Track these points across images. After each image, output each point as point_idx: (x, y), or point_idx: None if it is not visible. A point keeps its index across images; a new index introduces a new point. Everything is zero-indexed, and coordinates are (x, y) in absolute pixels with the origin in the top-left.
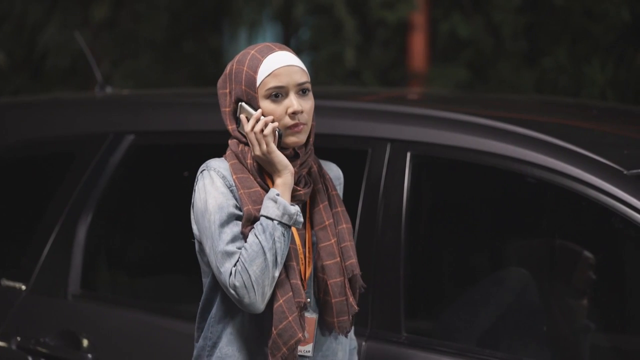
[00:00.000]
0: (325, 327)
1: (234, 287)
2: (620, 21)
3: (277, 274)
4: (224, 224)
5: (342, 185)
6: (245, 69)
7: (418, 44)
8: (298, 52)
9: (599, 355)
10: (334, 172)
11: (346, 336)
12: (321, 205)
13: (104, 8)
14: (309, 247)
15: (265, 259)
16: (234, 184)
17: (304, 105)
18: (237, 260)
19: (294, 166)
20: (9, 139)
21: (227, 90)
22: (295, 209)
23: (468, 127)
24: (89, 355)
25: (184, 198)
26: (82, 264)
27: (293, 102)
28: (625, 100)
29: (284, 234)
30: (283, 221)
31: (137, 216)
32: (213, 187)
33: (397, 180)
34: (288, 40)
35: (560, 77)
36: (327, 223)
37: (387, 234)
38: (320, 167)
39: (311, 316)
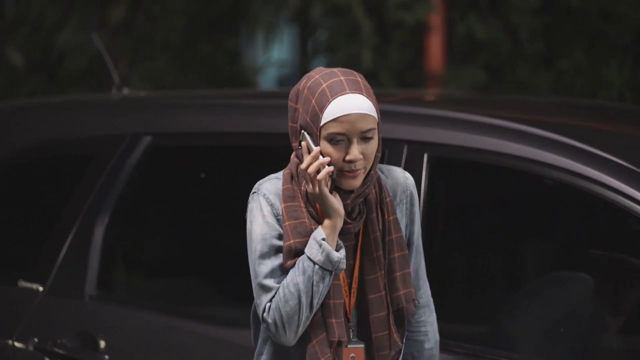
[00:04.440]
0: (369, 358)
1: (267, 323)
2: (638, 22)
3: (311, 315)
4: (265, 255)
5: (410, 196)
6: (313, 102)
7: (435, 46)
8: (315, 54)
9: (611, 355)
10: (401, 185)
11: None
12: (372, 236)
13: (120, 10)
14: (355, 278)
15: (300, 301)
16: (281, 213)
17: (365, 150)
18: (274, 296)
19: (347, 199)
20: (26, 140)
21: (297, 106)
22: (338, 256)
23: (485, 129)
24: (106, 357)
25: (200, 200)
26: (99, 265)
27: (353, 150)
28: None
29: (323, 278)
30: (325, 267)
31: (154, 218)
32: (260, 214)
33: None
34: (305, 42)
35: (578, 79)
36: (375, 255)
37: None
38: (380, 191)
39: (358, 346)
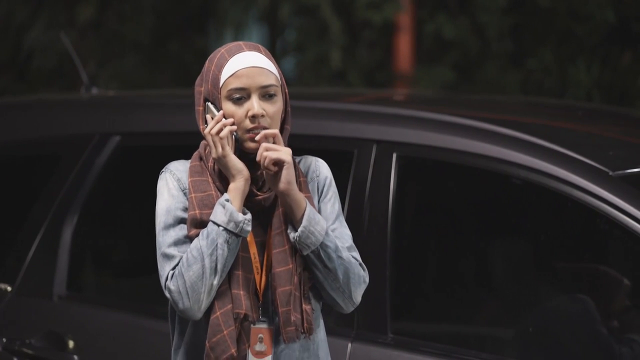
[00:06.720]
0: (282, 337)
1: (169, 291)
2: (605, 22)
3: (216, 282)
4: (169, 227)
5: (323, 178)
6: (212, 67)
7: (404, 45)
8: (283, 54)
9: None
10: (312, 166)
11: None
12: (280, 210)
13: (89, 9)
14: (267, 255)
15: (204, 265)
16: (188, 187)
17: (268, 108)
18: (177, 264)
19: (257, 170)
20: None
21: (201, 88)
22: (242, 216)
23: (454, 128)
24: (75, 357)
25: None
26: (68, 265)
27: (254, 105)
28: (610, 102)
29: (227, 241)
30: (229, 228)
31: (123, 217)
32: (166, 189)
33: (383, 181)
34: (274, 42)
35: (546, 78)
36: (282, 228)
37: (373, 235)
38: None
39: (266, 327)
